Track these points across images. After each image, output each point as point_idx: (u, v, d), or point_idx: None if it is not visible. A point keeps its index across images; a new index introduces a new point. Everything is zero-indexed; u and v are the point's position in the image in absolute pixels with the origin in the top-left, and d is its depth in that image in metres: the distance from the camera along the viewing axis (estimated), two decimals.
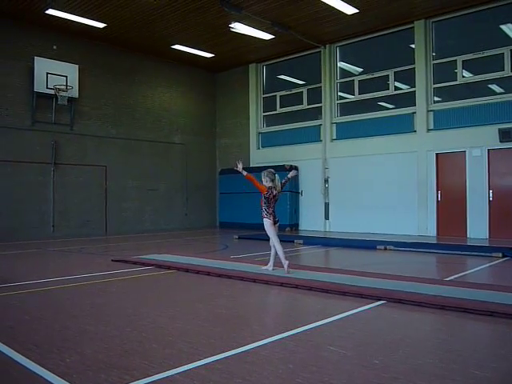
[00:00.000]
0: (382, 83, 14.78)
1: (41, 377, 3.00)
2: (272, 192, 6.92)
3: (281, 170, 16.24)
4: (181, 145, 18.11)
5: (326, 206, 15.92)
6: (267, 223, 6.87)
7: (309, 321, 4.30)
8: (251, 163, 17.98)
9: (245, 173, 7.07)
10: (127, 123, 16.51)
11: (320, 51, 16.06)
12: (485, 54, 12.79)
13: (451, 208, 13.23)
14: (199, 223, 18.48)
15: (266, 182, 6.98)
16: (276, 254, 6.92)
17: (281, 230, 15.39)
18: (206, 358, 3.32)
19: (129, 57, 16.54)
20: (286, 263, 6.59)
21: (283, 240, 12.24)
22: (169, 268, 7.47)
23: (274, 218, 6.95)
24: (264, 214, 6.87)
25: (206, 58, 17.12)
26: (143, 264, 7.88)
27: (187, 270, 7.20)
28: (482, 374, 3.04)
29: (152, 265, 7.78)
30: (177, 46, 15.98)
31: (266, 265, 7.12)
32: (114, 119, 16.15)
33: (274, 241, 6.88)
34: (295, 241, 11.88)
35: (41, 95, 14.08)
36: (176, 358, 3.33)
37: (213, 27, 14.29)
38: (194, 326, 4.19)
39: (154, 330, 4.11)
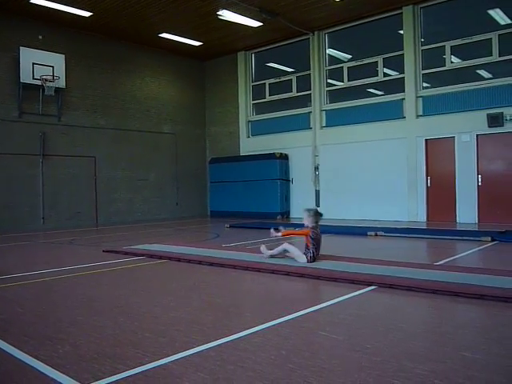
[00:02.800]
0: (371, 70, 14.77)
1: (34, 368, 3.00)
2: (317, 232, 6.46)
3: (271, 158, 16.29)
4: (170, 134, 18.02)
5: (317, 193, 15.96)
6: (302, 260, 6.34)
7: (301, 307, 4.32)
8: (241, 151, 17.95)
9: (280, 233, 6.83)
10: (116, 113, 16.38)
11: (309, 38, 15.99)
12: (473, 40, 12.82)
13: (441, 193, 13.33)
14: (190, 212, 18.47)
15: (310, 222, 6.49)
16: (285, 252, 6.69)
17: (271, 218, 15.60)
18: (199, 345, 3.33)
19: (116, 46, 16.36)
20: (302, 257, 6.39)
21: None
22: (160, 258, 7.46)
23: (314, 260, 6.39)
24: (309, 256, 6.31)
25: (194, 46, 16.98)
26: (135, 254, 7.87)
27: (179, 260, 7.20)
28: (472, 356, 3.08)
29: (143, 255, 7.76)
30: (164, 35, 15.83)
31: (271, 250, 6.85)
32: (103, 109, 16.02)
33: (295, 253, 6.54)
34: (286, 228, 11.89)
35: (27, 86, 13.91)
36: (169, 346, 3.34)
37: (200, 15, 14.16)
38: (186, 315, 4.20)
39: (147, 319, 4.11)
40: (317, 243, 6.40)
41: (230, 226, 13.22)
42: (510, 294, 4.41)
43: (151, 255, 7.68)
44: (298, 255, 6.42)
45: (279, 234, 6.78)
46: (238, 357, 3.12)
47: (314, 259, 6.32)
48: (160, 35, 15.83)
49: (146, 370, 2.91)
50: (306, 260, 6.30)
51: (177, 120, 18.32)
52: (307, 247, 6.40)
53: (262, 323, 3.84)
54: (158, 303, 4.68)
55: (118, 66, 16.46)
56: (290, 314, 4.09)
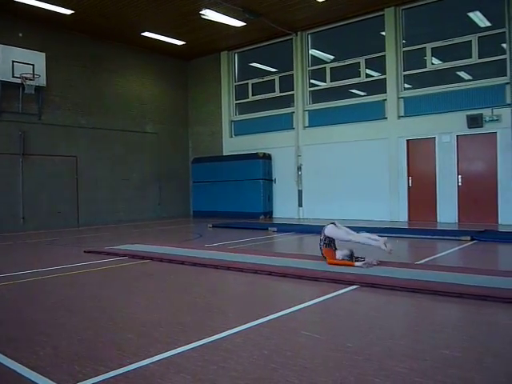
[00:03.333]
0: (354, 70, 14.86)
1: (14, 371, 2.96)
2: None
3: (254, 157, 16.30)
4: (153, 134, 17.91)
5: (300, 193, 16.01)
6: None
7: (283, 307, 4.34)
8: (224, 151, 17.93)
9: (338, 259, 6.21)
10: (97, 112, 16.22)
11: (292, 38, 16.04)
12: (453, 42, 12.98)
13: (422, 193, 13.48)
14: (173, 212, 18.38)
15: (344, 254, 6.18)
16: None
17: (254, 218, 15.61)
18: (181, 346, 3.32)
19: (97, 44, 16.20)
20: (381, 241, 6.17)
21: (256, 228, 12.38)
22: (142, 258, 7.42)
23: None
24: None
25: (177, 45, 16.90)
26: (116, 255, 7.81)
27: (161, 260, 7.17)
28: (451, 353, 3.13)
29: (125, 255, 7.71)
30: (147, 34, 15.71)
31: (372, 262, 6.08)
32: (84, 108, 15.85)
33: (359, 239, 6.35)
34: (269, 228, 11.93)
35: (7, 84, 13.68)
36: (151, 347, 3.33)
37: (183, 14, 14.10)
38: (168, 315, 4.19)
39: (129, 320, 4.09)
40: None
41: (213, 226, 13.19)
42: (488, 293, 4.48)
43: (133, 255, 7.63)
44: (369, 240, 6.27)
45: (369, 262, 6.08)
46: (221, 357, 3.12)
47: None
48: (143, 34, 15.71)
49: (127, 372, 2.89)
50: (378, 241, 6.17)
51: (159, 119, 18.22)
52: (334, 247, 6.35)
53: (245, 323, 3.85)
54: (139, 304, 4.66)
55: (100, 64, 16.30)
56: (272, 314, 4.10)
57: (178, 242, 9.67)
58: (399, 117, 13.91)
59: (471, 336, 3.55)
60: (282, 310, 4.22)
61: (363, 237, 6.36)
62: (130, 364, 3.00)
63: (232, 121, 18.02)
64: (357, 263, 5.91)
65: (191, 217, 18.01)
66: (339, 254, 6.15)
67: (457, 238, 9.14)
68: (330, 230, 6.36)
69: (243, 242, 9.65)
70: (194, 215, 18.16)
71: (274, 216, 16.52)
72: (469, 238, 8.99)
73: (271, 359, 3.07)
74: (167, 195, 18.29)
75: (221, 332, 3.63)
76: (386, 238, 6.19)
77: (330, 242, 6.33)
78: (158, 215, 17.79)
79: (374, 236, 6.32)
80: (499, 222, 12.18)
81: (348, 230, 6.45)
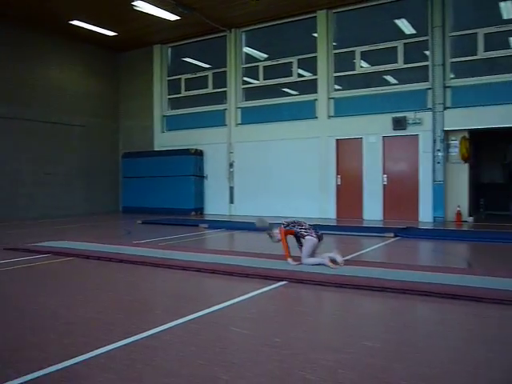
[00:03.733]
0: (287, 70, 15.08)
1: None
2: (283, 225, 6.13)
3: (186, 153, 16.15)
4: (81, 127, 17.26)
5: (231, 190, 16.06)
6: (311, 242, 5.93)
7: (212, 303, 4.34)
8: (156, 147, 17.62)
9: (290, 258, 6.01)
10: (21, 103, 15.38)
11: (226, 35, 16.02)
12: (380, 47, 13.50)
13: (349, 191, 13.93)
14: (101, 208, 17.81)
15: (276, 234, 6.14)
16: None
17: (185, 214, 15.48)
18: (106, 345, 3.24)
19: (22, 31, 15.35)
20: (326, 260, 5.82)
21: (187, 224, 12.28)
22: (67, 255, 7.14)
23: (316, 232, 6.04)
24: (303, 232, 6.00)
25: (108, 36, 16.37)
26: (39, 252, 7.46)
27: (87, 257, 6.94)
28: (373, 345, 3.27)
29: (49, 252, 7.39)
30: (76, 22, 15.09)
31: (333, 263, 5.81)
32: (6, 98, 14.96)
33: (306, 261, 5.93)
34: (200, 225, 11.88)
35: None
36: (75, 347, 3.22)
37: (115, 4, 13.67)
38: (94, 314, 4.06)
39: (51, 319, 3.93)
40: (294, 224, 6.10)
41: (143, 223, 12.95)
42: (408, 286, 4.72)
43: (57, 253, 7.32)
44: (314, 260, 5.92)
45: (290, 260, 5.98)
46: (147, 355, 3.07)
47: (313, 231, 5.98)
48: (71, 22, 15.07)
49: (49, 373, 2.78)
50: (310, 238, 5.92)
51: (88, 112, 17.57)
52: (297, 234, 6.07)
53: (173, 320, 3.81)
54: (63, 303, 4.48)
55: (24, 52, 15.45)
56: (201, 311, 4.09)
57: (106, 239, 9.40)
58: (329, 117, 14.28)
59: (391, 328, 3.72)
60: (211, 307, 4.22)
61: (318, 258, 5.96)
62: (53, 365, 2.89)
63: (164, 116, 17.75)
64: (289, 259, 5.97)
65: (121, 213, 17.56)
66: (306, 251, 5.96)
67: (381, 234, 9.54)
68: (310, 241, 5.95)
69: (173, 238, 9.55)
70: (123, 211, 17.72)
71: (205, 212, 16.45)
72: (392, 234, 9.42)
73: (199, 355, 3.07)
74: (96, 191, 17.71)
75: (148, 330, 3.57)
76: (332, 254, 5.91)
77: (296, 228, 6.05)
78: (86, 211, 17.18)
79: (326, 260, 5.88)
80: (420, 219, 12.84)
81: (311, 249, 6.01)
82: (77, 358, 3.02)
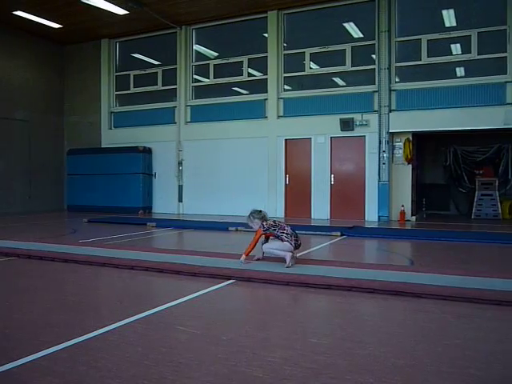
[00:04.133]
0: (237, 69, 15.10)
1: None
2: (266, 223, 5.98)
3: (134, 151, 15.86)
4: (23, 121, 16.59)
5: (180, 188, 15.91)
6: (286, 248, 5.80)
7: (159, 303, 4.29)
8: (103, 143, 17.21)
9: (245, 255, 5.88)
10: None
11: (176, 32, 15.85)
12: (329, 49, 13.76)
13: (298, 191, 14.11)
14: (45, 206, 17.21)
15: (256, 224, 6.02)
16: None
17: (133, 212, 15.21)
18: (48, 348, 3.14)
19: None
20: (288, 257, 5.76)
21: (135, 223, 12.07)
22: (7, 255, 6.86)
23: (297, 239, 5.90)
24: (283, 236, 5.83)
25: (53, 28, 15.82)
26: None
27: (29, 257, 6.69)
28: (318, 341, 3.33)
29: None
30: (19, 13, 14.49)
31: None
32: None
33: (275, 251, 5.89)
34: (148, 223, 11.71)
35: None
36: (14, 350, 3.10)
37: None
38: (36, 316, 3.93)
39: None
40: (277, 226, 5.93)
41: (89, 221, 12.63)
42: (353, 284, 4.84)
43: None
44: (278, 252, 5.86)
45: (243, 257, 5.89)
46: (91, 357, 3.00)
47: (294, 238, 5.84)
48: (15, 13, 14.44)
49: None
50: (288, 246, 5.79)
51: (31, 106, 16.92)
52: (277, 237, 5.92)
53: (119, 321, 3.74)
54: (2, 304, 4.31)
55: None
56: (148, 310, 4.04)
57: (50, 238, 9.10)
58: (279, 117, 14.42)
59: (336, 324, 3.81)
60: (158, 306, 4.17)
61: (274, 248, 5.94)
62: None
63: (111, 112, 17.35)
64: (243, 257, 5.86)
65: (65, 211, 17.04)
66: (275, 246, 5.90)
67: (328, 233, 9.73)
68: (286, 246, 5.83)
69: (120, 237, 9.37)
70: (68, 209, 17.20)
71: (153, 211, 16.23)
72: (339, 233, 9.63)
73: (146, 356, 3.03)
74: (39, 188, 17.08)
75: (93, 331, 3.48)
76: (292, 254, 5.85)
77: (277, 232, 5.90)
78: (28, 209, 16.55)
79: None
80: (366, 218, 13.19)
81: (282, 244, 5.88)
82: (17, 361, 2.91)
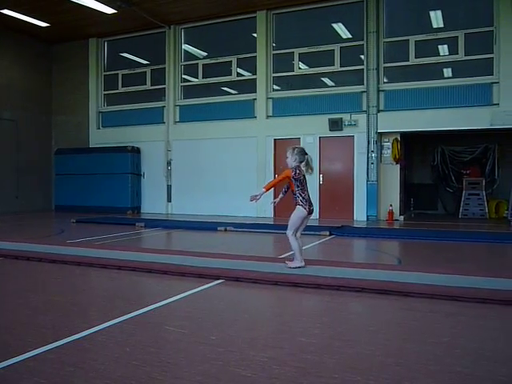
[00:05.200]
0: (226, 69, 15.08)
1: None
2: (299, 171, 5.62)
3: (122, 151, 15.79)
4: (10, 121, 16.43)
5: (169, 188, 15.86)
6: (301, 213, 5.69)
7: (148, 303, 4.28)
8: (91, 143, 17.09)
9: (262, 191, 5.74)
10: None
11: (165, 32, 15.79)
12: (318, 49, 13.80)
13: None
14: (32, 206, 17.06)
15: (295, 160, 5.64)
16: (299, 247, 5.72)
17: (122, 212, 15.14)
18: (35, 349, 3.12)
19: None
20: (301, 262, 5.61)
21: (123, 223, 12.02)
22: None
23: (310, 206, 5.72)
24: (299, 200, 5.64)
25: (41, 27, 15.68)
26: None
27: (16, 258, 6.63)
28: (307, 340, 3.34)
29: None
30: (6, 11, 14.34)
31: (291, 261, 5.77)
32: None
33: (291, 236, 5.73)
34: (136, 224, 11.65)
35: None
36: (1, 352, 3.08)
37: None
38: (23, 317, 3.90)
39: None
40: (302, 184, 5.66)
41: (77, 221, 12.54)
42: (341, 283, 4.86)
43: None
44: (295, 247, 5.69)
45: (260, 193, 5.71)
46: (79, 357, 2.99)
47: (308, 203, 5.68)
48: (1, 11, 14.29)
49: None
50: (298, 216, 5.66)
51: (18, 106, 16.75)
52: (293, 192, 5.67)
53: (107, 321, 3.72)
54: None
55: None
56: (136, 311, 4.03)
57: (37, 238, 9.03)
58: (268, 116, 14.43)
59: (325, 323, 3.83)
60: (146, 306, 4.16)
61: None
62: None
63: (100, 112, 17.25)
64: (262, 190, 5.71)
65: (53, 211, 16.91)
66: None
67: (317, 233, 9.76)
68: (300, 212, 5.73)
69: (109, 237, 9.32)
70: (56, 209, 17.07)
71: (142, 211, 16.16)
72: (328, 233, 9.67)
73: (134, 356, 3.02)
74: (26, 188, 16.92)
75: (80, 331, 3.47)
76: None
77: (297, 190, 5.70)
78: (16, 209, 16.38)
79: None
80: (354, 218, 13.25)
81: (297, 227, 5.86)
82: (3, 362, 2.89)
